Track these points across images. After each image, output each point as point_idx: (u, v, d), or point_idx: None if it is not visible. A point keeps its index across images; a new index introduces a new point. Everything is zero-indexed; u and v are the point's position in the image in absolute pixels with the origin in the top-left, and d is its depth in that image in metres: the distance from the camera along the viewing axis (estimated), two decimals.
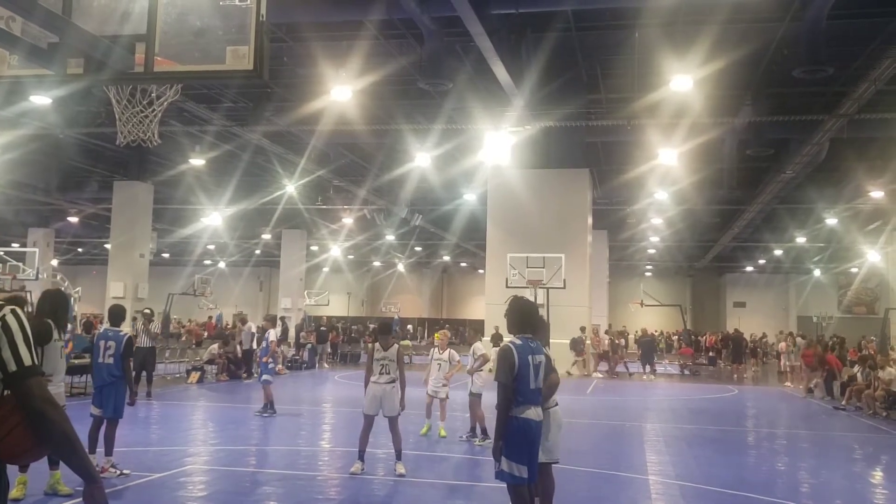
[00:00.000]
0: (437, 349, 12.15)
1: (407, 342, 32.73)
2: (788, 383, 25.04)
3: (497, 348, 11.38)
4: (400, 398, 8.79)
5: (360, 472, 8.78)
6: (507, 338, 5.94)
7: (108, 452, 8.33)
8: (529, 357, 5.54)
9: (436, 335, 12.67)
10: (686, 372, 29.51)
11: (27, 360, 2.52)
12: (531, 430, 5.55)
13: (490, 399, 11.59)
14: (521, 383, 5.49)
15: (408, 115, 22.22)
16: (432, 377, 11.89)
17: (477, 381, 11.49)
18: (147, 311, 18.63)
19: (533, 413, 5.58)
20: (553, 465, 6.31)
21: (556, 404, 6.32)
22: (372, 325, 37.72)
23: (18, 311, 2.60)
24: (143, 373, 16.59)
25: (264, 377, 14.02)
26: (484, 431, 11.27)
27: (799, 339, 26.99)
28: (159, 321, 20.65)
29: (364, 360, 16.28)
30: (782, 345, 26.63)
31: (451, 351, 12.10)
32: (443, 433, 11.78)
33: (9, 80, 3.79)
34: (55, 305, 7.22)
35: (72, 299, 20.71)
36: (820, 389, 20.84)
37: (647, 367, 27.73)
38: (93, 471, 2.64)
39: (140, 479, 8.28)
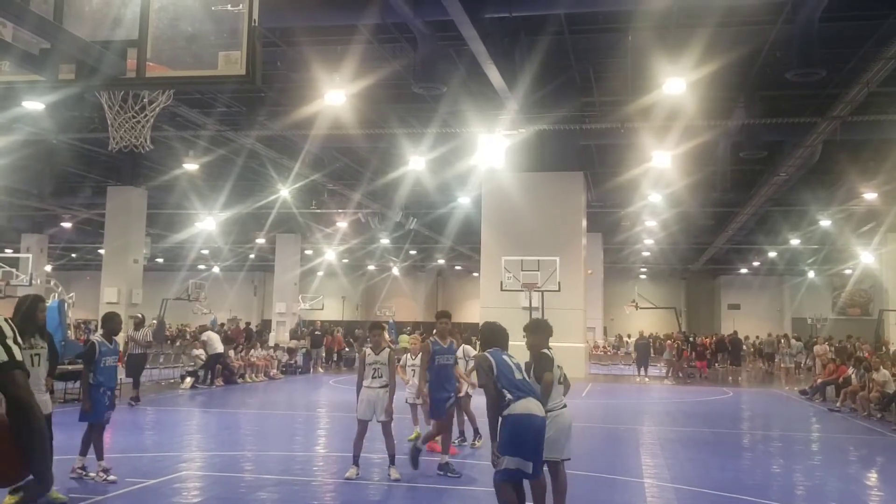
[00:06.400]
0: (409, 355, 11.79)
1: (405, 336, 32.21)
2: (787, 387, 25.06)
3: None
4: (387, 403, 8.74)
5: (355, 477, 8.76)
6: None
7: (81, 452, 8.34)
8: (505, 357, 6.07)
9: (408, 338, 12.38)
10: (680, 375, 29.51)
11: (18, 356, 2.64)
12: (533, 424, 5.67)
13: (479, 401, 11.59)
14: (505, 379, 5.86)
15: (402, 118, 22.21)
16: (409, 384, 11.58)
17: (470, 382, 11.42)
18: (137, 316, 18.54)
19: (533, 406, 5.76)
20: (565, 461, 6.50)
21: (565, 406, 6.56)
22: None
23: (8, 319, 2.73)
24: (131, 378, 16.60)
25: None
26: (477, 431, 11.22)
27: (794, 342, 27.05)
28: (150, 329, 20.21)
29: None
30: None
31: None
32: None
33: (1, 85, 3.78)
34: (21, 311, 7.14)
35: (66, 304, 20.60)
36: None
37: (642, 370, 27.76)
38: (50, 477, 2.72)
39: (134, 485, 8.24)
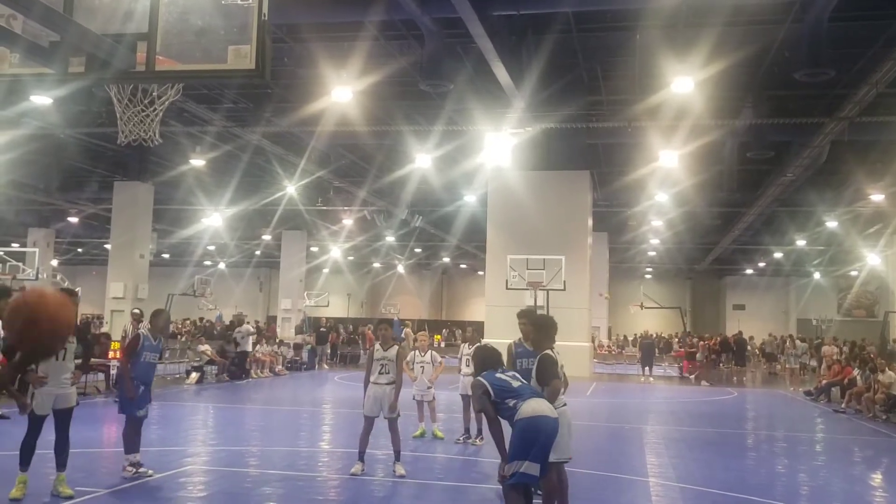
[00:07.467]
0: (417, 352, 12.07)
1: (409, 330, 32.03)
2: (792, 388, 24.98)
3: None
4: (394, 400, 8.75)
5: (360, 473, 8.77)
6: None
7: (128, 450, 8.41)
8: (497, 374, 6.03)
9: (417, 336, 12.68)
10: (686, 374, 29.48)
11: None
12: (544, 426, 5.65)
13: None
14: (503, 392, 5.84)
15: (408, 116, 22.21)
16: (416, 381, 11.75)
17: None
18: (136, 311, 18.68)
19: (543, 406, 5.73)
20: (564, 463, 6.50)
21: (565, 404, 6.54)
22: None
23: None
24: None
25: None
26: (480, 430, 11.21)
27: (799, 343, 26.87)
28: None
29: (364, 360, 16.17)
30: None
31: (433, 352, 12.15)
32: (439, 434, 11.72)
33: (9, 78, 3.79)
34: None
35: None
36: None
37: (647, 370, 27.71)
38: None
39: (140, 479, 8.26)
